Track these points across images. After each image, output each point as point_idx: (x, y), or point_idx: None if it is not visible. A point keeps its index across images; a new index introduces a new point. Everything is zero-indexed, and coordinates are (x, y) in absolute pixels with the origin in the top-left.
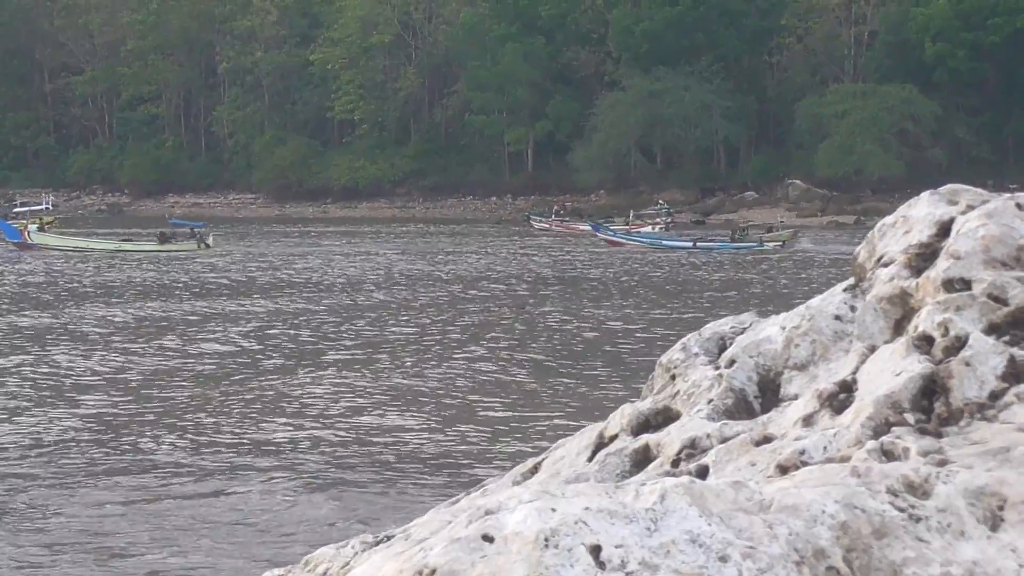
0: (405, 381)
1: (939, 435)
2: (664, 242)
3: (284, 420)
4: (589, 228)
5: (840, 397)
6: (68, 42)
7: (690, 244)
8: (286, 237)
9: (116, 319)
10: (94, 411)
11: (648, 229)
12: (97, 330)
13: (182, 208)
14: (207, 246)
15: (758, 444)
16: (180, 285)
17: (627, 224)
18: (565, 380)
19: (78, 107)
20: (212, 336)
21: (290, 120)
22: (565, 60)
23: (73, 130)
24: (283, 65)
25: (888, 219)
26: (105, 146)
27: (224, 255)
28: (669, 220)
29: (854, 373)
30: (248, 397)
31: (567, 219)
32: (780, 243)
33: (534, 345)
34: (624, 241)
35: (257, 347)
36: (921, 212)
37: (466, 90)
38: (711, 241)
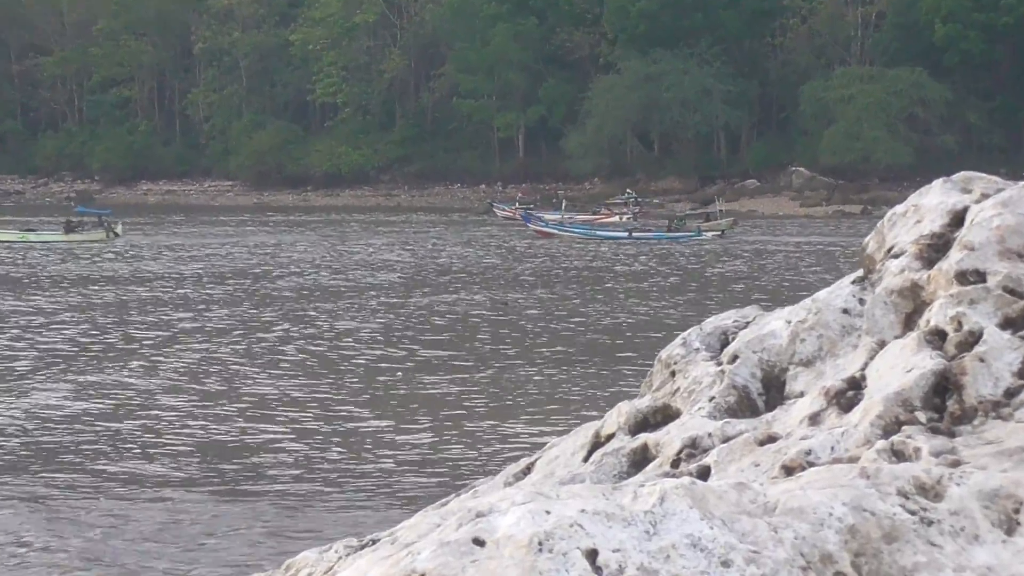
0: (380, 379)
1: (952, 434)
2: (598, 232)
3: (259, 423)
4: (547, 216)
5: (848, 395)
6: (36, 21)
7: (625, 234)
8: (263, 226)
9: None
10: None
11: (616, 219)
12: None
13: (155, 196)
14: (116, 235)
15: (762, 444)
16: (107, 278)
17: (594, 213)
18: (557, 377)
19: (47, 89)
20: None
21: (269, 103)
22: (558, 41)
23: (41, 113)
24: (261, 45)
25: (899, 208)
26: (75, 131)
27: (150, 247)
28: (637, 209)
29: (863, 369)
30: (219, 399)
31: (531, 207)
32: (719, 232)
33: (520, 340)
34: (555, 232)
35: (216, 345)
36: (933, 201)
37: (454, 72)
38: (647, 231)
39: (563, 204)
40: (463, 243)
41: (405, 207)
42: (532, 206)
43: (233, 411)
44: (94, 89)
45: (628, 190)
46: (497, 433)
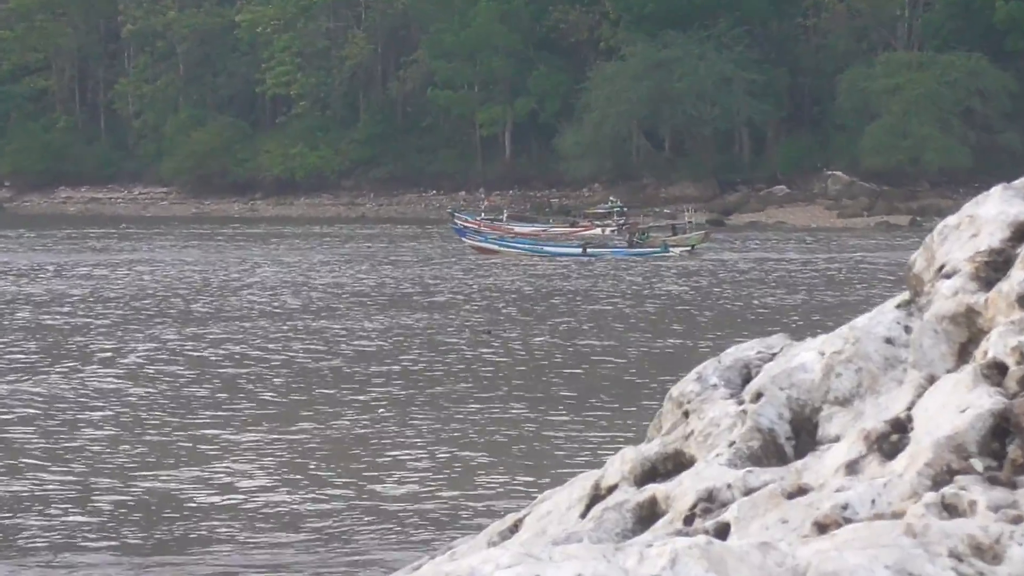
0: (340, 422)
1: (1013, 485)
2: (546, 248)
3: (203, 470)
4: (518, 228)
5: (891, 439)
6: None
7: (578, 250)
8: (203, 240)
9: None
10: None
11: (597, 231)
12: None
13: (76, 204)
14: None
15: (791, 496)
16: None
17: (572, 225)
18: (549, 417)
19: None
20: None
21: (210, 96)
22: (551, 22)
23: None
24: (201, 28)
25: (951, 219)
26: None
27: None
28: (623, 221)
29: (909, 409)
30: (153, 447)
31: (500, 219)
32: (688, 248)
33: (503, 375)
34: (497, 248)
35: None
36: (991, 211)
37: (428, 59)
38: (604, 247)
39: (504, 214)
40: (439, 259)
41: (371, 218)
42: (501, 217)
43: (169, 461)
44: (3, 79)
45: (612, 198)
46: (479, 483)
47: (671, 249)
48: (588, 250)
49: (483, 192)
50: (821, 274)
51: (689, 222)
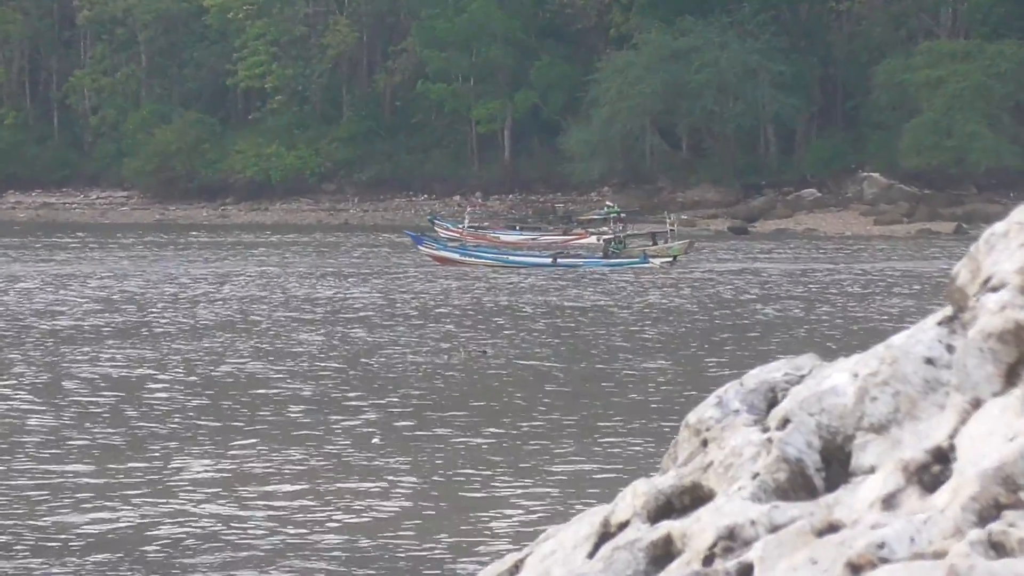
0: (327, 448)
1: None
2: (512, 258)
3: (182, 503)
4: (505, 237)
5: (932, 470)
6: None
7: (549, 261)
8: (167, 249)
9: None
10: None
11: (592, 240)
12: None
13: (27, 210)
14: None
15: (821, 534)
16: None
17: (565, 233)
18: (554, 447)
19: None
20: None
21: (176, 90)
22: (556, 7)
23: None
24: (166, 14)
25: (999, 226)
26: None
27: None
28: (620, 228)
29: (952, 437)
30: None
31: (484, 227)
32: (670, 259)
33: (503, 401)
34: (458, 258)
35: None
36: None
37: (419, 48)
38: (578, 257)
39: (466, 215)
40: (427, 271)
41: (355, 224)
42: (485, 225)
43: (115, 493)
44: None
45: (608, 203)
46: (476, 519)
47: (651, 259)
48: (559, 261)
49: (479, 196)
50: (850, 287)
51: (671, 229)
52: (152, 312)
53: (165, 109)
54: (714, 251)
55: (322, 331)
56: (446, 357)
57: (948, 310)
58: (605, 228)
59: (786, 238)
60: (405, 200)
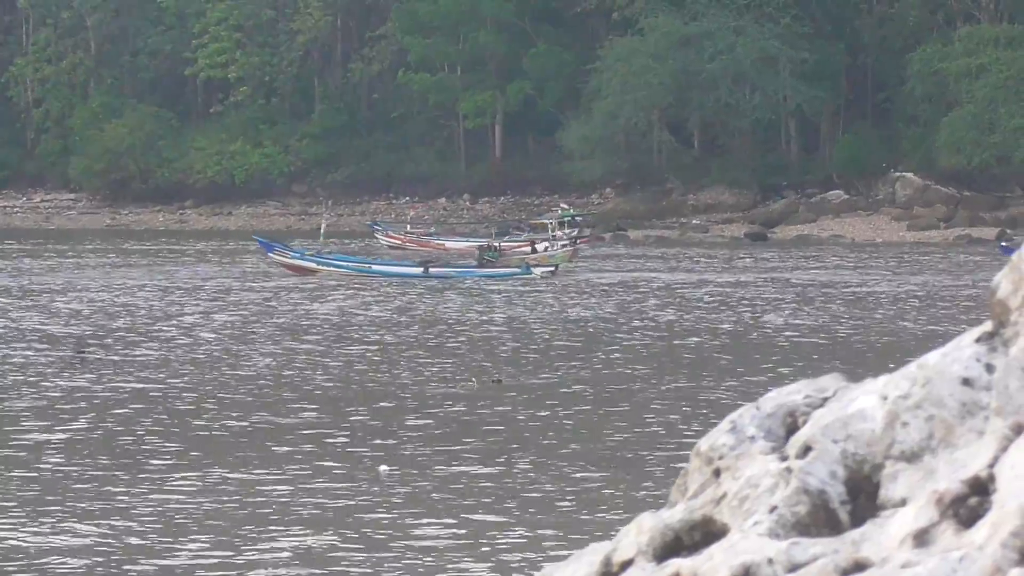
0: (318, 484)
1: None
2: (375, 267)
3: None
4: (450, 244)
5: (970, 502)
6: None
7: (420, 270)
8: (118, 257)
9: None
10: None
11: (544, 247)
12: None
13: None
14: None
15: (846, 574)
16: None
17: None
18: (550, 477)
19: None
20: None
21: (129, 80)
22: None
23: None
24: None
25: None
26: None
27: None
28: (575, 233)
29: (991, 466)
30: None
31: (432, 233)
32: (552, 269)
33: (484, 428)
34: (314, 267)
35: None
36: None
37: (399, 34)
38: (451, 266)
39: (409, 215)
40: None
41: (329, 230)
42: (432, 231)
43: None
44: None
45: (563, 205)
46: (469, 559)
47: (533, 270)
48: (431, 270)
49: (467, 199)
50: (879, 299)
51: (554, 236)
52: (123, 329)
53: (116, 102)
54: (723, 258)
55: (331, 352)
56: (453, 385)
57: (988, 325)
58: (558, 234)
59: (809, 245)
60: (384, 203)
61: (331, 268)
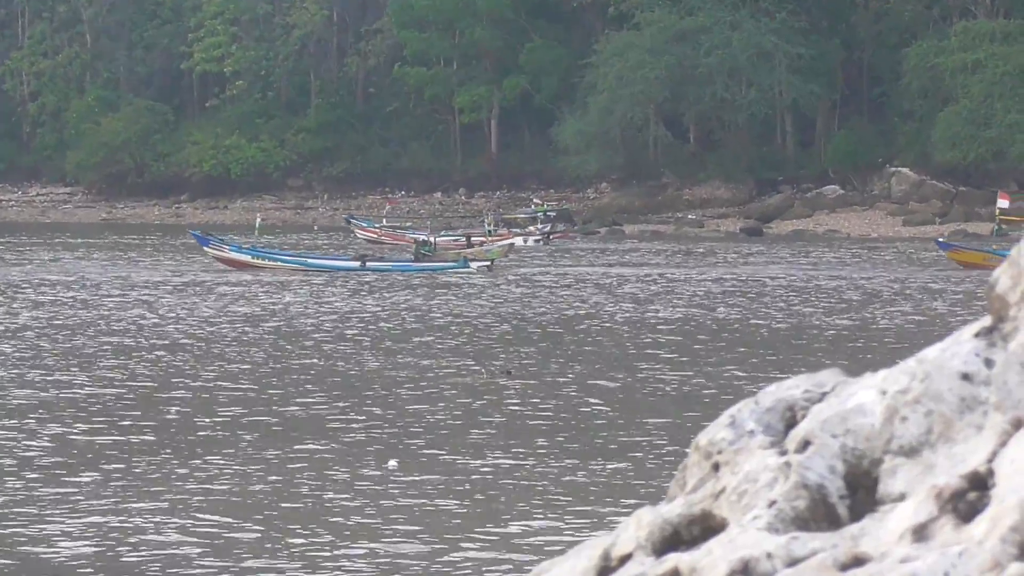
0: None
1: None
2: (311, 261)
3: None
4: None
5: (969, 497)
6: None
7: (357, 264)
8: (112, 251)
9: None
10: None
11: (518, 242)
12: None
13: None
14: None
15: (845, 568)
16: None
17: (488, 234)
18: (548, 471)
19: None
20: None
21: (125, 75)
22: None
23: None
24: None
25: None
26: None
27: None
28: (547, 229)
29: (990, 461)
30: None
31: (407, 227)
32: (488, 263)
33: (479, 421)
34: (251, 260)
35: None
36: None
37: (395, 28)
38: (387, 261)
39: (385, 209)
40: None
41: (325, 224)
42: (408, 225)
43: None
44: None
45: (536, 200)
46: (465, 555)
47: (471, 263)
48: (368, 264)
49: (463, 193)
50: (876, 293)
51: (490, 230)
52: (120, 327)
53: (112, 96)
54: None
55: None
56: (464, 378)
57: (987, 320)
58: (532, 228)
59: (804, 240)
60: (380, 197)
61: (268, 262)
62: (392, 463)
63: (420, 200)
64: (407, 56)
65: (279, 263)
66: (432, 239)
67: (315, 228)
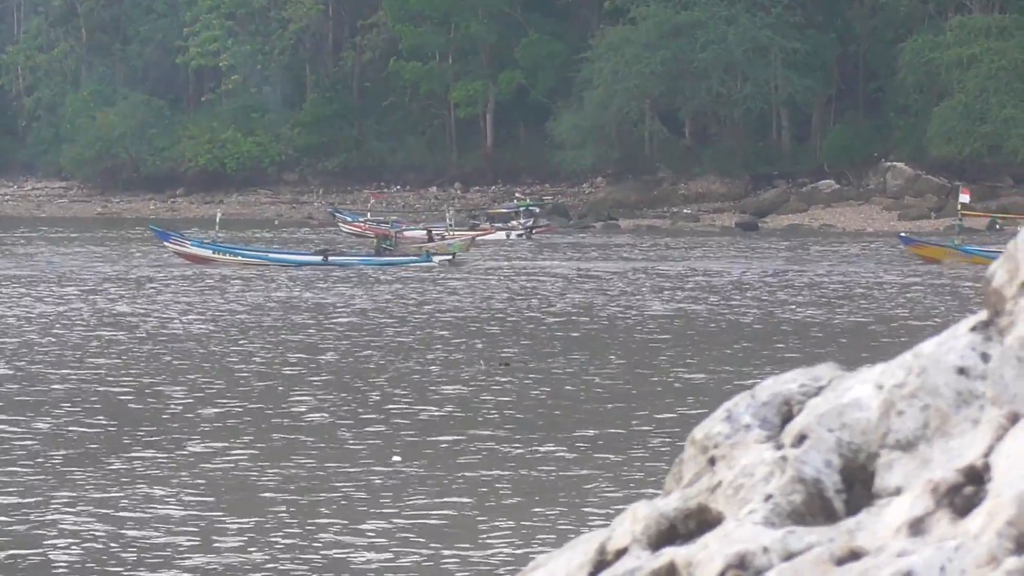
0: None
1: None
2: (272, 255)
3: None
4: (409, 232)
5: (965, 491)
6: None
7: (319, 258)
8: (108, 246)
9: None
10: None
11: (501, 236)
12: None
13: None
14: None
15: (841, 562)
16: None
17: (472, 228)
18: (543, 465)
19: None
20: None
21: (120, 68)
22: None
23: None
24: None
25: None
26: None
27: None
28: (530, 223)
29: (986, 455)
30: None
31: (393, 221)
32: (449, 256)
33: (484, 413)
34: (211, 255)
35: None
36: None
37: (391, 23)
38: (349, 254)
39: (369, 203)
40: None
41: (320, 219)
42: (393, 219)
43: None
44: None
45: (518, 195)
46: (456, 548)
47: (433, 258)
48: (330, 258)
49: (459, 188)
50: (872, 287)
51: (450, 224)
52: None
53: (108, 90)
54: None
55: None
56: (462, 368)
57: (983, 314)
58: (515, 223)
59: (799, 234)
60: (375, 191)
61: (228, 256)
62: (396, 457)
63: (416, 195)
64: (403, 51)
65: (240, 258)
66: (393, 233)
67: (276, 222)
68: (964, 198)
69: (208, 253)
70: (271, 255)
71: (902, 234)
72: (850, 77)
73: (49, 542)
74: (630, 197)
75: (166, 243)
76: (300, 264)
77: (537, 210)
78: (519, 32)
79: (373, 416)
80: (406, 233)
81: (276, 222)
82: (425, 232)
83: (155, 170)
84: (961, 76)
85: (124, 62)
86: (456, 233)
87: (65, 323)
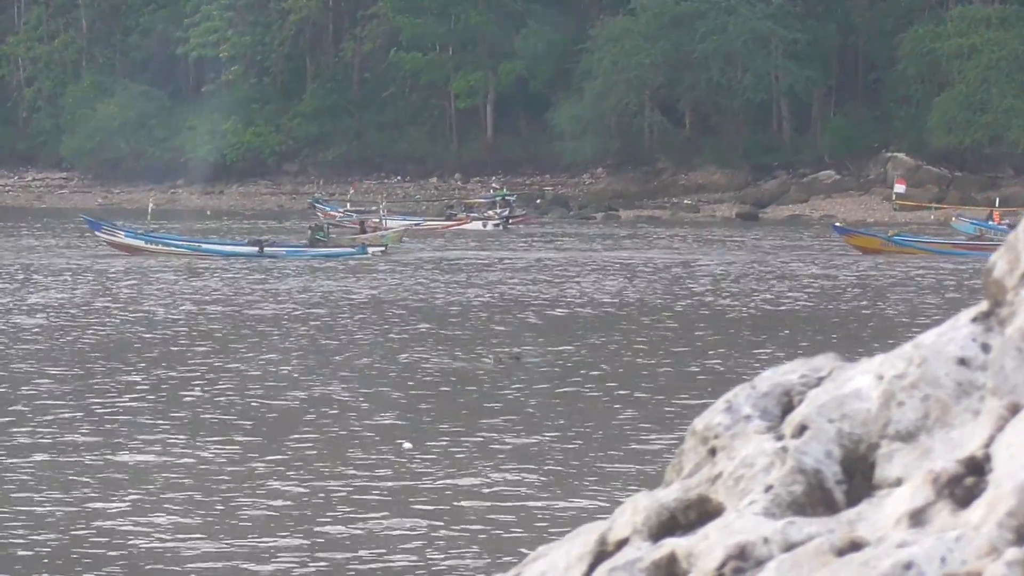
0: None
1: None
2: (208, 247)
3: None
4: (390, 223)
5: (966, 482)
6: None
7: (255, 250)
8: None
9: None
10: None
11: (478, 226)
12: None
13: None
14: None
15: (842, 553)
16: None
17: (449, 218)
18: (545, 456)
19: None
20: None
21: (121, 59)
22: None
23: None
24: None
25: None
26: None
27: None
28: (506, 214)
29: (987, 446)
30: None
31: (373, 211)
32: (382, 248)
33: (483, 404)
34: (143, 245)
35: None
36: None
37: (391, 13)
38: (284, 246)
39: (349, 193)
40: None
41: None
42: (372, 209)
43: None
44: None
45: (495, 186)
46: (458, 540)
47: (368, 249)
48: (266, 250)
49: (459, 179)
50: (873, 278)
51: (382, 216)
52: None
53: (108, 81)
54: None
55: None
56: (472, 362)
57: (983, 305)
58: (491, 213)
59: (800, 225)
60: (376, 182)
61: (160, 247)
62: (406, 444)
63: (416, 185)
64: (403, 41)
65: (172, 248)
66: (326, 225)
67: (207, 213)
68: (899, 188)
69: (140, 243)
70: (204, 246)
71: (836, 224)
72: (850, 67)
73: None
74: (630, 188)
75: (98, 233)
76: (233, 255)
77: (513, 199)
78: (519, 23)
79: (389, 403)
80: (389, 224)
81: (208, 212)
82: (358, 223)
83: (155, 161)
84: (962, 66)
85: (124, 53)
86: (389, 224)
87: None
